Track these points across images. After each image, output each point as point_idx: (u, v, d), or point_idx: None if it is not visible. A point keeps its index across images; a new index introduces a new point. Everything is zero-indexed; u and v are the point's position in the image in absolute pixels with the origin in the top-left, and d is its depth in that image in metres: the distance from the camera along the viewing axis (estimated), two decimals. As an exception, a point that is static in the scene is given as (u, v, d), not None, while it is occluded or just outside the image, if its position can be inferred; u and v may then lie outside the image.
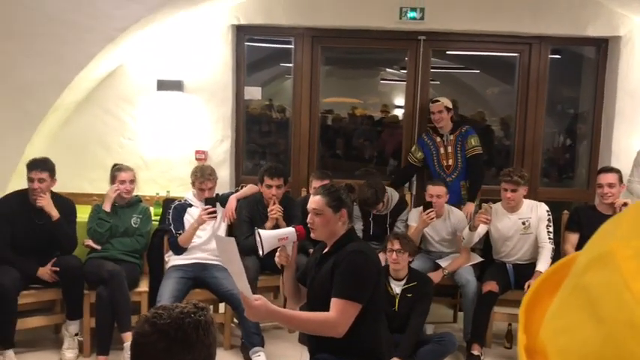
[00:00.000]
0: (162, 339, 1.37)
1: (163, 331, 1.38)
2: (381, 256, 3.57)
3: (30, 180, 3.90)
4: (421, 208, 4.28)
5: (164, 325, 1.39)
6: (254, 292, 2.31)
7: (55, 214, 3.92)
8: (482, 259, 4.40)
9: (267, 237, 2.53)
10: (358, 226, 4.46)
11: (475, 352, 3.94)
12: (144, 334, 1.39)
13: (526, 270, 4.09)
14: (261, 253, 2.54)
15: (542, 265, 4.01)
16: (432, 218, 4.19)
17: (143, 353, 1.40)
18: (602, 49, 5.11)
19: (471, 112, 6.30)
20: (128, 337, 3.74)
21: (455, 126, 4.80)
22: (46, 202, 3.90)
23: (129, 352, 3.66)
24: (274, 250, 2.62)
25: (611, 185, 4.21)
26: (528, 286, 3.91)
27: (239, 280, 2.20)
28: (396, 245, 3.69)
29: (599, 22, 4.88)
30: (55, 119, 4.82)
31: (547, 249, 4.07)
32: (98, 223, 4.08)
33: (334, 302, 2.43)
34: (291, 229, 2.59)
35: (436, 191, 4.31)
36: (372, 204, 4.36)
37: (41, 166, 3.93)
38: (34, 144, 4.67)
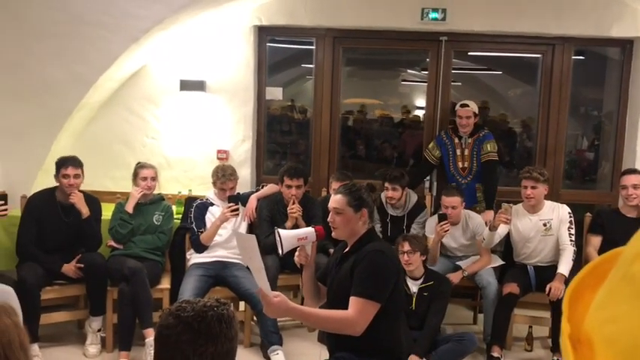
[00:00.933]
0: (186, 331, 1.40)
1: (187, 323, 1.41)
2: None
3: (65, 176, 3.97)
4: (436, 218, 4.22)
5: (188, 317, 1.42)
6: (274, 291, 2.33)
7: (85, 211, 4.00)
8: (503, 262, 4.36)
9: (287, 236, 2.55)
10: (376, 228, 4.45)
11: (495, 355, 3.91)
12: (168, 326, 1.42)
13: (547, 272, 4.05)
14: (280, 252, 2.56)
15: (564, 267, 3.97)
16: (447, 230, 4.13)
17: (167, 345, 1.42)
18: (627, 50, 5.05)
19: (493, 113, 6.25)
20: (150, 334, 3.79)
21: (474, 129, 4.75)
22: (78, 199, 3.98)
23: (150, 348, 3.73)
24: (294, 249, 2.64)
25: (635, 186, 4.17)
26: (550, 289, 3.88)
27: (259, 277, 2.22)
28: (406, 247, 3.71)
29: (623, 22, 4.82)
30: (80, 118, 4.90)
31: (569, 251, 4.03)
32: (120, 224, 4.14)
33: (353, 301, 2.43)
34: (310, 229, 2.60)
35: (451, 202, 4.22)
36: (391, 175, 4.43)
37: (76, 162, 4.02)
38: (59, 142, 4.75)
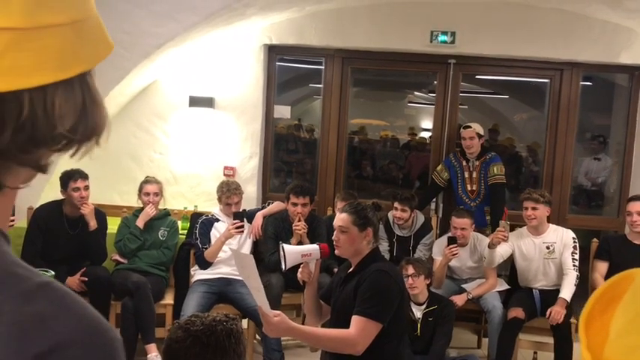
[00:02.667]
0: (196, 344, 1.40)
1: (197, 337, 1.40)
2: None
3: (75, 189, 3.99)
4: (445, 240, 4.21)
5: (197, 331, 1.41)
6: (278, 309, 2.32)
7: (93, 223, 4.03)
8: (508, 287, 4.34)
9: (291, 252, 2.54)
10: (383, 247, 4.44)
11: (499, 379, 3.87)
12: (177, 340, 1.42)
13: (552, 297, 4.02)
14: (283, 267, 2.55)
15: (566, 291, 3.95)
16: (455, 254, 4.12)
17: (176, 358, 1.42)
18: (635, 76, 5.07)
19: (500, 137, 6.27)
20: (152, 349, 3.78)
21: (482, 152, 4.76)
22: (89, 210, 4.02)
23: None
24: (298, 266, 2.63)
25: (640, 214, 4.15)
26: (550, 313, 3.86)
27: (258, 296, 2.22)
28: (410, 270, 3.69)
29: (632, 49, 4.84)
30: (89, 132, 4.92)
31: (571, 276, 4.01)
32: (129, 238, 4.14)
33: (355, 320, 2.42)
34: (315, 246, 2.60)
35: (461, 224, 4.22)
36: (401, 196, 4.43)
37: (83, 174, 4.05)
38: (67, 155, 4.77)
